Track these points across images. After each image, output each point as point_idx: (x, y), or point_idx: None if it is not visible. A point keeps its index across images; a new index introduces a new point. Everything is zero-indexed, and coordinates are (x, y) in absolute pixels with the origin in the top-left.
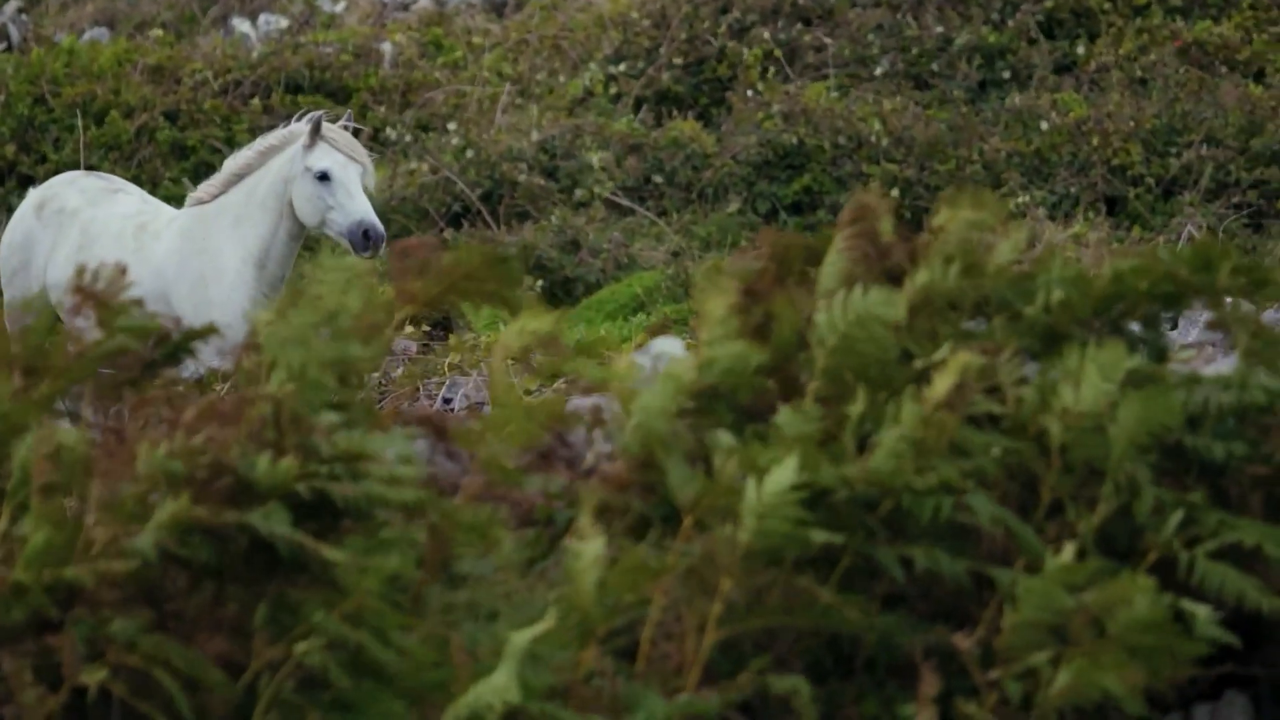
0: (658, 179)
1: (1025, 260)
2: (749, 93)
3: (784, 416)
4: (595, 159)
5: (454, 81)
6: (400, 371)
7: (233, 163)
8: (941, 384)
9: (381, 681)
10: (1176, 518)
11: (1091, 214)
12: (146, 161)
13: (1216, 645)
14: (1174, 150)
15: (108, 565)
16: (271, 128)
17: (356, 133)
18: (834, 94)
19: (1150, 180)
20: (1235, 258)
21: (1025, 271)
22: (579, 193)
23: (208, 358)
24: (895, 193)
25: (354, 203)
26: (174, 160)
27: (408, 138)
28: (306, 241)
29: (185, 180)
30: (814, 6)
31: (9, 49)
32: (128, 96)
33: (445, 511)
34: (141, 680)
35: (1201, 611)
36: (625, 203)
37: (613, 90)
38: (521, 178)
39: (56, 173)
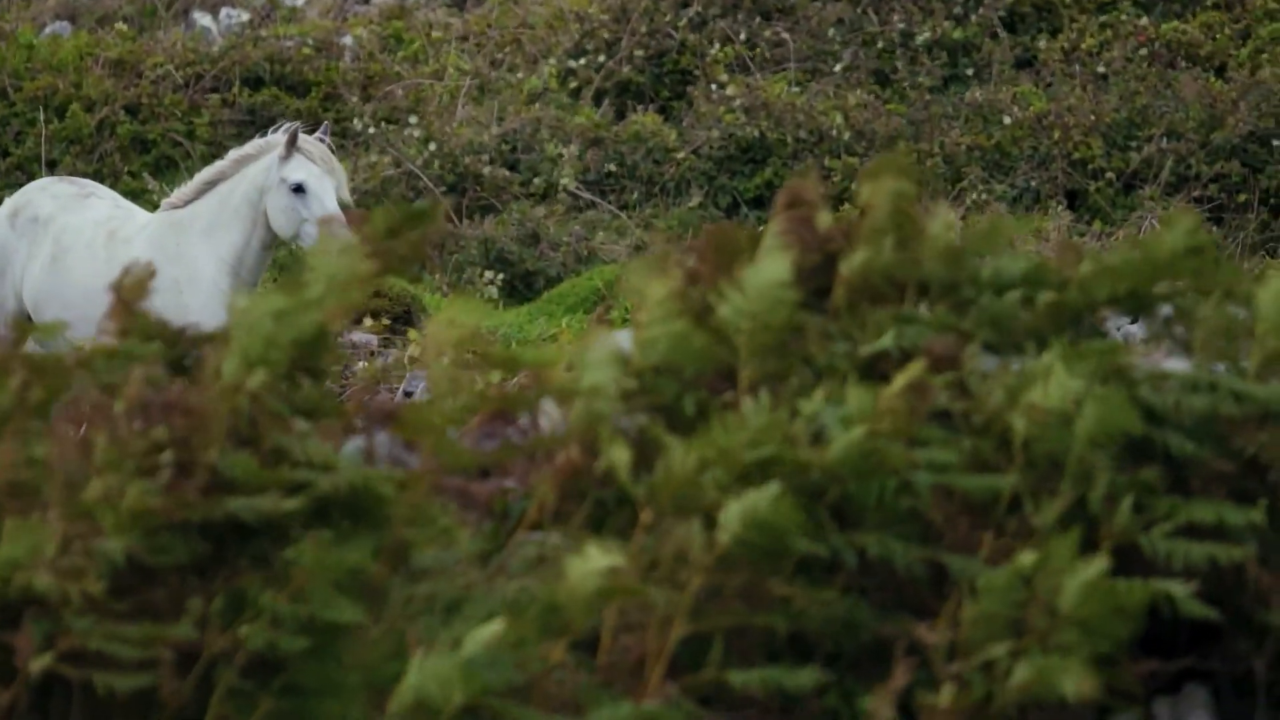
0: (619, 172)
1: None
2: (713, 87)
3: (747, 408)
4: (565, 153)
5: (414, 75)
6: (362, 366)
7: (207, 171)
8: (900, 381)
9: (336, 671)
10: (1128, 501)
11: (1055, 206)
12: (108, 155)
13: (1173, 625)
14: (1134, 144)
15: (71, 570)
16: (232, 121)
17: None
18: (795, 89)
19: (1111, 174)
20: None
21: (959, 249)
22: (535, 181)
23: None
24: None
25: (328, 215)
26: (135, 154)
27: (371, 130)
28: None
29: (145, 175)
30: (774, 1)
31: None
32: (89, 90)
33: (403, 505)
34: (96, 666)
35: (1177, 588)
36: (587, 196)
37: (572, 84)
38: (485, 171)
39: (19, 167)
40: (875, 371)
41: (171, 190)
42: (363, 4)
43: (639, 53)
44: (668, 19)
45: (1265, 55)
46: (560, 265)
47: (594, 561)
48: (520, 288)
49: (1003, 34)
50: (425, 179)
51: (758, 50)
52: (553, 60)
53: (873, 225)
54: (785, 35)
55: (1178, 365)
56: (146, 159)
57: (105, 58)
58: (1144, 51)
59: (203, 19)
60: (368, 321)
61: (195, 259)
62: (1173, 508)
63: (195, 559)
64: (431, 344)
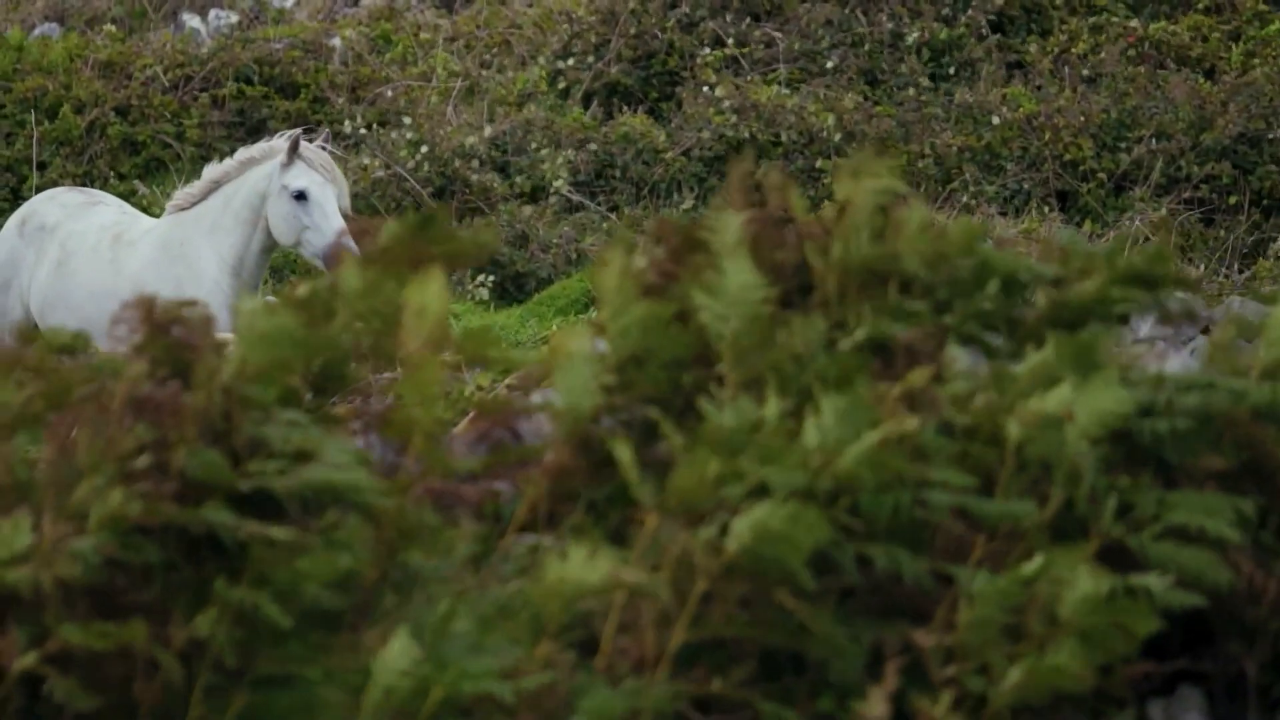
0: (609, 173)
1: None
2: (704, 88)
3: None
4: (560, 157)
5: (403, 77)
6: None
7: (212, 170)
8: (902, 385)
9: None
10: (1113, 501)
11: (1045, 209)
12: (98, 157)
13: (1166, 627)
14: (1124, 145)
15: (50, 569)
16: (221, 123)
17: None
18: (784, 90)
19: (1102, 175)
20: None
21: (939, 245)
22: (522, 181)
23: None
24: None
25: (330, 223)
26: (125, 156)
27: (361, 132)
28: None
29: (135, 180)
30: (762, 1)
31: None
32: (79, 92)
33: (394, 509)
34: (81, 667)
35: (1154, 582)
36: (576, 198)
37: (560, 85)
38: (474, 175)
39: (8, 169)
40: (865, 368)
41: (161, 194)
42: (352, 5)
43: (627, 53)
44: (655, 20)
45: (1256, 58)
46: (550, 267)
47: (575, 561)
48: (511, 289)
49: (989, 35)
50: (413, 181)
51: (747, 50)
52: (541, 61)
53: (853, 222)
54: (775, 35)
55: (1176, 366)
56: (136, 160)
57: (95, 59)
58: (1133, 53)
59: (191, 20)
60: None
61: (198, 258)
62: (1159, 504)
63: (169, 559)
64: (412, 338)
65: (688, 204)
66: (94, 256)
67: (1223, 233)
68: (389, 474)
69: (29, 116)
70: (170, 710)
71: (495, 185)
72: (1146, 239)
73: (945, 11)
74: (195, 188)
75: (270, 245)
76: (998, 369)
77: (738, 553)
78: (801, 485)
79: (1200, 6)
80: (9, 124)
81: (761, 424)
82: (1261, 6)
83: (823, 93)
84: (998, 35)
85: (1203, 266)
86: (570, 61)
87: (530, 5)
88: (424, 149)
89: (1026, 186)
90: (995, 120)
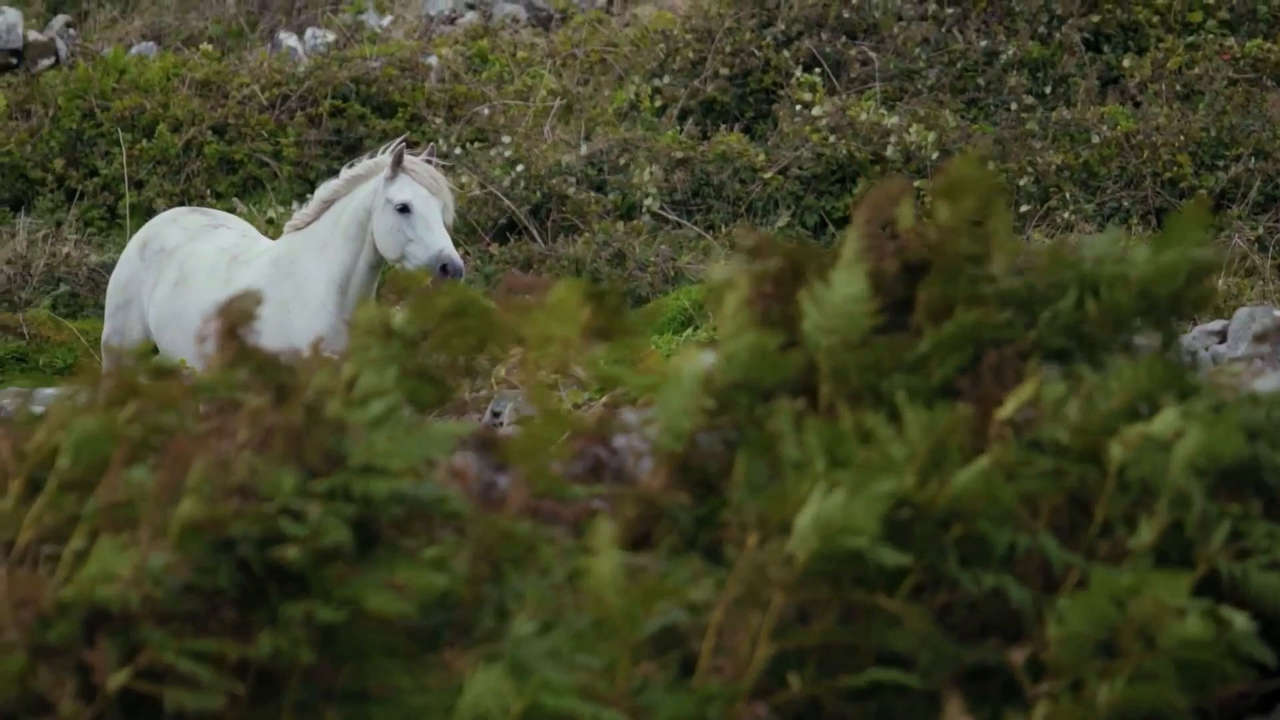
0: (705, 191)
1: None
2: (798, 107)
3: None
4: (646, 173)
5: (499, 96)
6: None
7: (324, 190)
8: (1011, 405)
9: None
10: (1224, 530)
11: (1142, 227)
12: (194, 176)
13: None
14: (1222, 163)
15: (140, 587)
16: (318, 142)
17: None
18: (881, 108)
19: (1202, 192)
20: None
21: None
22: (613, 197)
23: None
24: None
25: (433, 236)
26: (221, 174)
27: (458, 150)
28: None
29: (233, 198)
30: (859, 20)
31: (57, 64)
32: (175, 110)
33: (493, 527)
34: (173, 683)
35: (1239, 620)
36: (672, 216)
37: (657, 103)
38: (570, 191)
39: (106, 187)
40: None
41: (258, 213)
42: (448, 24)
43: (723, 71)
44: (749, 38)
45: None
46: (648, 285)
47: (607, 562)
48: None
49: (1083, 53)
50: (508, 201)
51: (842, 69)
52: (638, 79)
53: (952, 249)
54: (871, 53)
55: (1267, 385)
56: (234, 179)
57: (191, 78)
58: (1230, 70)
59: (288, 39)
60: None
61: (307, 277)
62: (1269, 536)
63: (239, 580)
64: (530, 360)
65: (783, 221)
66: (210, 277)
67: None
68: (485, 492)
69: (127, 135)
70: None
71: (591, 205)
72: (1244, 258)
73: (1041, 29)
74: (309, 208)
75: (378, 261)
76: (1089, 385)
77: (808, 559)
78: (903, 493)
79: None
80: (107, 143)
81: (870, 435)
82: None
83: (921, 110)
84: (1091, 53)
85: None
86: (666, 79)
87: (627, 25)
88: (519, 167)
89: (1126, 204)
90: (1094, 138)
